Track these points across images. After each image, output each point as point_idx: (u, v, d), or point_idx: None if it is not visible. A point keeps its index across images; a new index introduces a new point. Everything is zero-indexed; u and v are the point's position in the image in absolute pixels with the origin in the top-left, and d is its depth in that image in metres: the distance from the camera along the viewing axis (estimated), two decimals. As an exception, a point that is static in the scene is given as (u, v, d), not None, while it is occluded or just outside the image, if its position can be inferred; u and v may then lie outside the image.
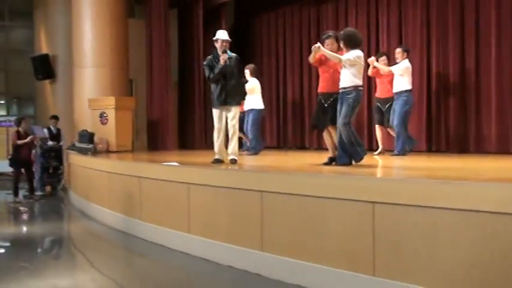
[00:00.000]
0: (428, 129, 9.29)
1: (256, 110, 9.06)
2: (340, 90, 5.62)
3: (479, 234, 3.48)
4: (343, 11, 10.88)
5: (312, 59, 6.00)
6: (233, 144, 6.46)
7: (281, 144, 12.41)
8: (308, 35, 11.73)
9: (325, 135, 6.16)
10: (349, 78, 5.53)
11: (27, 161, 10.70)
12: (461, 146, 8.79)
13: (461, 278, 3.56)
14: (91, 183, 8.60)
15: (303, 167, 6.17)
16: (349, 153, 5.64)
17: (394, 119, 8.02)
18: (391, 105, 8.20)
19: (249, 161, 7.65)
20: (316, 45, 5.71)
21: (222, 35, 6.57)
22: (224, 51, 6.43)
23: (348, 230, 4.23)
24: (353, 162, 5.69)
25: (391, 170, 6.00)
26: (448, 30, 9.02)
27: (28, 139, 10.38)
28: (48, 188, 11.46)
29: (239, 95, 6.68)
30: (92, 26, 11.16)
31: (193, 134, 12.35)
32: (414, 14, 9.50)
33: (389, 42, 9.88)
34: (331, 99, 5.85)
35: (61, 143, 11.76)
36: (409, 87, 8.02)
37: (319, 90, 6.19)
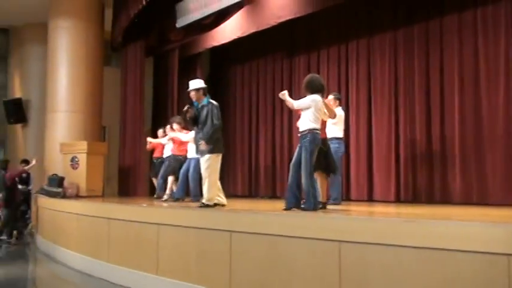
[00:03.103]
0: (397, 180, 9.48)
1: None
2: (299, 134, 5.68)
3: (442, 272, 3.57)
4: (314, 63, 11.23)
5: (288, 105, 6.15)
6: (205, 189, 6.37)
7: (253, 193, 12.45)
8: (281, 86, 11.99)
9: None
10: (304, 122, 5.61)
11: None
12: (427, 196, 8.97)
13: (424, 314, 3.62)
14: (59, 226, 8.48)
15: (272, 209, 6.22)
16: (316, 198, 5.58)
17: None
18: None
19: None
20: (283, 92, 5.87)
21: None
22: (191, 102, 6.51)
23: (314, 269, 4.28)
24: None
25: (356, 212, 6.10)
26: (414, 87, 9.36)
27: None
28: (14, 233, 11.20)
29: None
30: (67, 71, 11.27)
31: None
32: (382, 66, 9.87)
33: (359, 93, 10.20)
34: None
35: (30, 187, 11.61)
36: (340, 135, 7.77)
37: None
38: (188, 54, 12.80)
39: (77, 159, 10.38)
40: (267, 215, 5.07)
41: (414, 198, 9.17)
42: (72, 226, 7.86)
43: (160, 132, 10.22)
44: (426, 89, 9.20)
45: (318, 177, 6.00)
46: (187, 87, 6.54)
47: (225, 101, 13.16)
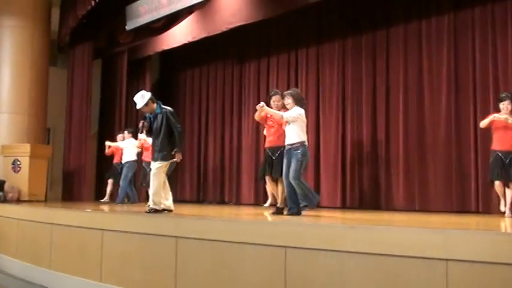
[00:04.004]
0: (343, 186, 9.63)
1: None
2: (287, 146, 5.96)
3: (384, 277, 3.64)
4: (264, 69, 11.30)
5: (257, 117, 6.55)
6: (152, 193, 6.30)
7: (201, 198, 12.39)
8: (230, 91, 12.06)
9: (270, 185, 6.72)
10: (294, 134, 5.90)
11: None
12: (373, 203, 9.17)
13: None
14: (-2, 232, 8.18)
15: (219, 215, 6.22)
16: (298, 204, 5.98)
17: None
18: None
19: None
20: (260, 104, 6.19)
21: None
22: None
23: (260, 274, 4.29)
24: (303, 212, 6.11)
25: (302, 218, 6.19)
26: (361, 95, 9.56)
27: None
28: None
29: (160, 151, 6.25)
30: (11, 71, 10.91)
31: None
32: (331, 74, 10.03)
33: (308, 100, 10.30)
34: (278, 152, 6.36)
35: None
36: None
37: (267, 145, 6.73)
38: (137, 57, 12.63)
39: (18, 162, 10.06)
40: (213, 220, 5.06)
41: (360, 205, 9.35)
42: (12, 231, 7.58)
43: (119, 136, 10.19)
44: (372, 96, 9.42)
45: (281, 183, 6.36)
46: (135, 93, 6.47)
47: (174, 105, 12.89)
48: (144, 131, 6.44)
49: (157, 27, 10.93)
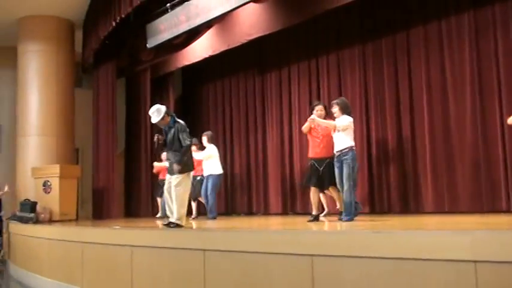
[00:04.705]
0: (371, 192, 9.54)
1: (214, 175, 9.28)
2: (337, 153, 6.23)
3: (412, 281, 3.60)
4: (286, 78, 11.31)
5: (305, 129, 6.78)
6: (175, 208, 6.32)
7: (229, 210, 12.42)
8: (253, 102, 12.09)
9: (314, 195, 6.79)
10: (343, 141, 6.17)
11: None
12: (402, 207, 9.05)
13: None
14: (32, 252, 8.33)
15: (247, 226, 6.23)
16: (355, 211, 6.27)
17: None
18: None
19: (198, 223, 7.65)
20: (312, 117, 6.53)
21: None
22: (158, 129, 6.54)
23: (288, 284, 4.27)
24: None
25: (328, 225, 6.19)
26: (384, 99, 9.47)
27: None
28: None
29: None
30: (38, 94, 11.21)
31: (139, 202, 12.23)
32: (352, 79, 9.98)
33: (330, 107, 10.26)
34: (324, 164, 6.61)
35: (1, 214, 11.41)
36: None
37: (312, 156, 6.86)
38: (160, 74, 12.81)
39: (49, 183, 10.25)
40: (240, 232, 5.07)
41: (389, 209, 9.24)
42: (44, 251, 7.73)
43: (164, 155, 10.36)
44: (396, 99, 9.32)
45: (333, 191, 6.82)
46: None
47: (198, 119, 13.16)
48: (158, 144, 6.51)
49: (178, 44, 11.06)
